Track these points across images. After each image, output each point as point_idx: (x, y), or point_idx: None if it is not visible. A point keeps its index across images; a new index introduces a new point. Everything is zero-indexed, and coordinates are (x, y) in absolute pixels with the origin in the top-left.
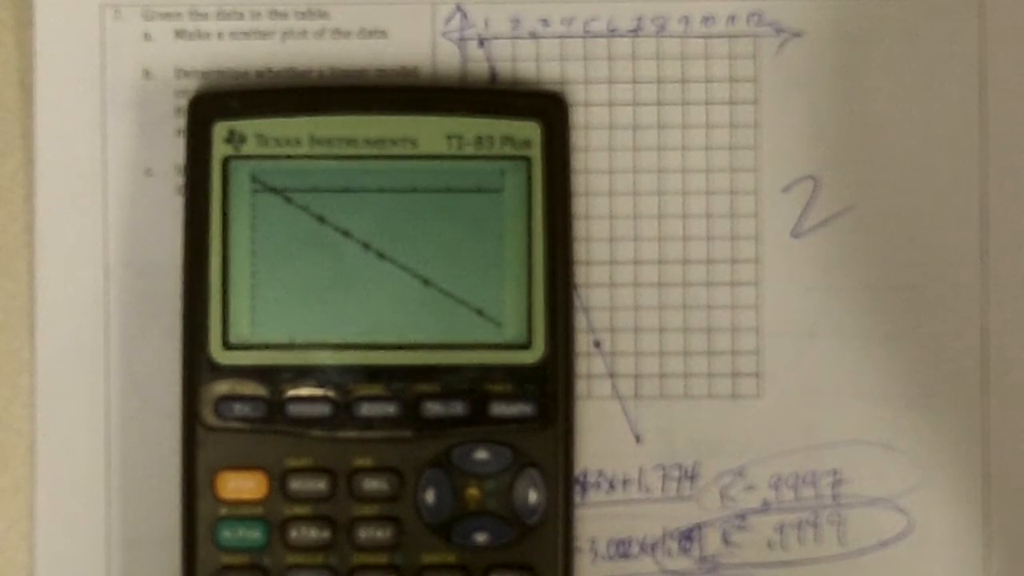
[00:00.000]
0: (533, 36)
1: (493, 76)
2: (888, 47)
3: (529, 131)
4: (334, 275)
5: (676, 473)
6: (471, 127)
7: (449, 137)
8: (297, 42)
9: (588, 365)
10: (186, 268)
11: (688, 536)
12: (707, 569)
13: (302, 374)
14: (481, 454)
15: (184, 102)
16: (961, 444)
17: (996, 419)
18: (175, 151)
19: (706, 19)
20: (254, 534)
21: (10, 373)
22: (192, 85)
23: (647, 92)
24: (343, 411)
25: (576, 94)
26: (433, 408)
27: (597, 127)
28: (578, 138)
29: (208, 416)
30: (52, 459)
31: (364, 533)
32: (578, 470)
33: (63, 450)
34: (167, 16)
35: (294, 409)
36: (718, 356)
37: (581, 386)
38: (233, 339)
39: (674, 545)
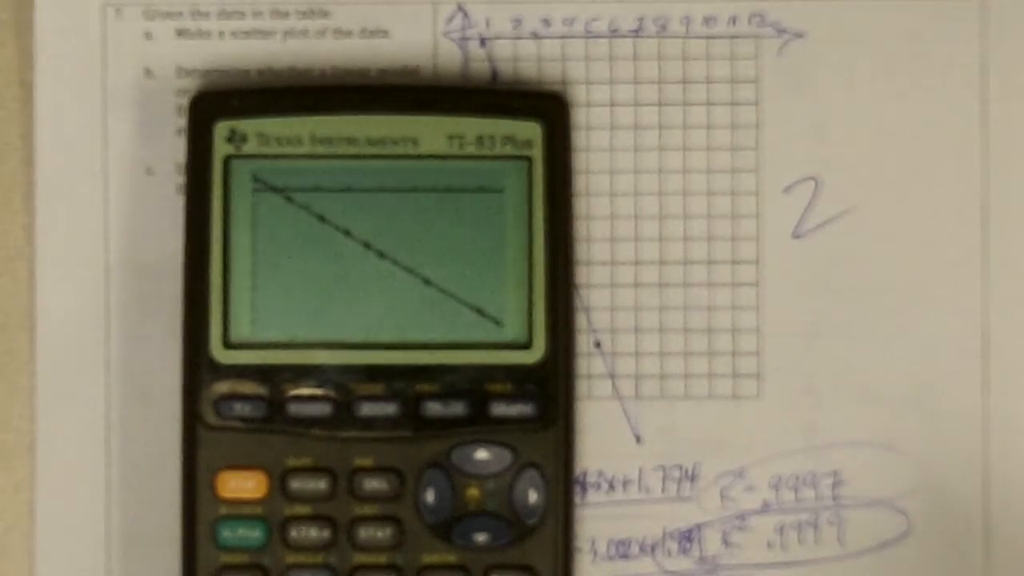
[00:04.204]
0: (534, 36)
1: (494, 76)
2: (889, 48)
3: (530, 131)
4: (335, 275)
5: (676, 474)
6: (472, 127)
7: (450, 137)
8: (298, 41)
9: (588, 365)
10: (187, 267)
11: (688, 537)
12: (707, 570)
13: (302, 373)
14: (481, 454)
15: (185, 101)
16: (961, 444)
17: (996, 419)
18: (176, 150)
19: (708, 20)
20: (254, 533)
21: (10, 373)
22: (193, 84)
23: (648, 93)
24: (343, 411)
25: (577, 94)
26: (433, 408)
27: (598, 127)
28: (579, 138)
29: (208, 415)
30: (52, 459)
31: (364, 533)
32: (578, 470)
33: (63, 450)
34: (168, 15)
35: (294, 408)
36: (719, 357)
37: (581, 386)
38: (234, 338)
39: (674, 546)
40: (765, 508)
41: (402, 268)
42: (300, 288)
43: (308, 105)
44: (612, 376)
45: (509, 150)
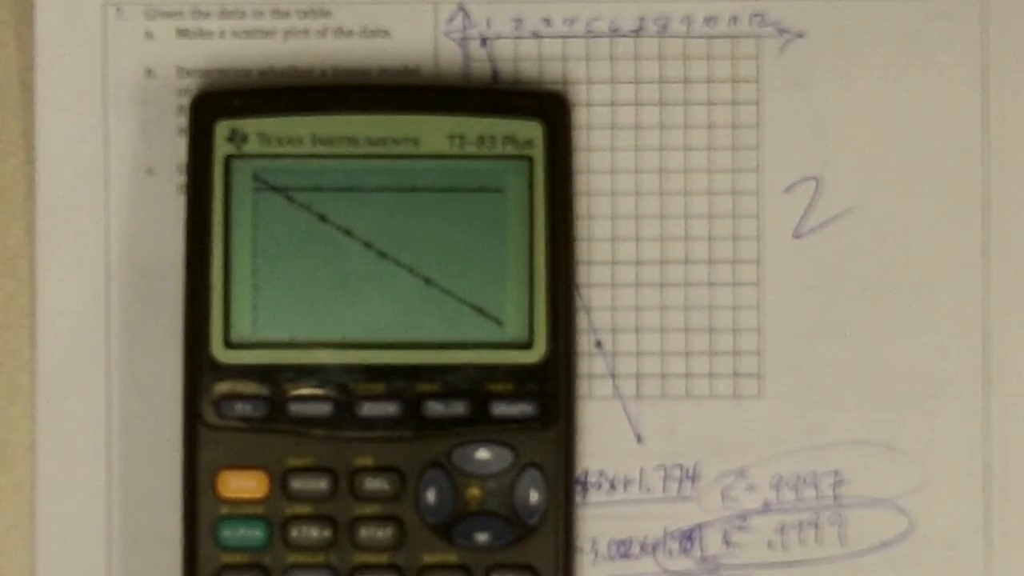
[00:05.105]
0: (535, 36)
1: (495, 76)
2: (890, 48)
3: (531, 131)
4: (336, 274)
5: (677, 473)
6: (473, 127)
7: (451, 136)
8: (299, 41)
9: (589, 365)
10: (187, 267)
11: (689, 536)
12: (708, 570)
13: (303, 373)
14: (482, 454)
15: (186, 101)
16: (961, 444)
17: (996, 419)
18: (177, 150)
19: (708, 19)
20: (255, 533)
21: (10, 373)
22: (194, 84)
23: (649, 92)
24: (344, 410)
25: (578, 94)
26: (434, 408)
27: (599, 127)
28: (580, 138)
29: (209, 415)
30: (53, 459)
31: (365, 533)
32: (579, 470)
33: (64, 450)
34: (169, 15)
35: (295, 408)
36: (720, 356)
37: (582, 386)
38: (234, 338)
39: (675, 545)
40: (766, 508)
41: (403, 268)
42: (301, 288)
43: (309, 105)
44: (613, 376)
45: (510, 150)
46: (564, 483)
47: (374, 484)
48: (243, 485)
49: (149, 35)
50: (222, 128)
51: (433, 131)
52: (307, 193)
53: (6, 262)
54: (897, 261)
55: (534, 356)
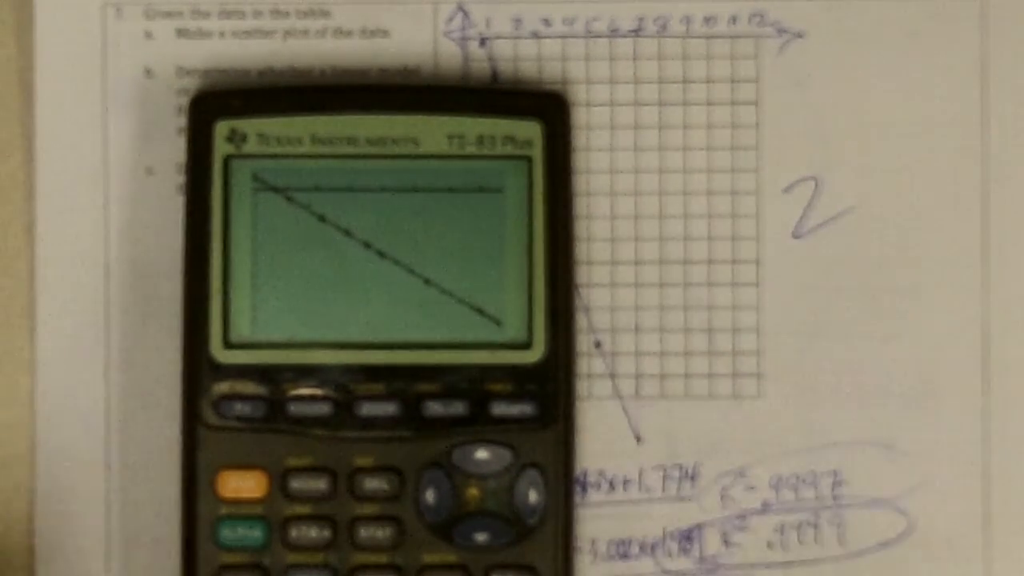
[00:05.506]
0: (535, 36)
1: (495, 76)
2: (890, 48)
3: (530, 131)
4: (335, 274)
5: (676, 473)
6: (472, 127)
7: (450, 137)
8: (299, 41)
9: (589, 365)
10: (187, 267)
11: (688, 536)
12: (707, 570)
13: (303, 373)
14: (481, 454)
15: (185, 101)
16: (961, 444)
17: (996, 419)
18: (176, 150)
19: (708, 19)
20: (254, 533)
21: (10, 373)
22: (194, 84)
23: (648, 92)
24: (344, 410)
25: (578, 94)
26: (434, 408)
27: (598, 127)
28: (579, 138)
29: (208, 415)
30: (52, 459)
31: (364, 533)
32: (578, 470)
33: (64, 449)
34: (169, 15)
35: (295, 408)
36: (719, 356)
37: (582, 386)
38: (234, 338)
39: (674, 545)
40: (765, 508)
41: (402, 268)
42: (300, 288)
43: (308, 105)
44: (612, 376)
45: (509, 150)
46: (563, 483)
47: (373, 484)
48: (242, 485)
49: (148, 35)
50: (221, 128)
51: (432, 131)
52: (306, 193)
53: (6, 262)
54: (897, 261)
55: (533, 356)
